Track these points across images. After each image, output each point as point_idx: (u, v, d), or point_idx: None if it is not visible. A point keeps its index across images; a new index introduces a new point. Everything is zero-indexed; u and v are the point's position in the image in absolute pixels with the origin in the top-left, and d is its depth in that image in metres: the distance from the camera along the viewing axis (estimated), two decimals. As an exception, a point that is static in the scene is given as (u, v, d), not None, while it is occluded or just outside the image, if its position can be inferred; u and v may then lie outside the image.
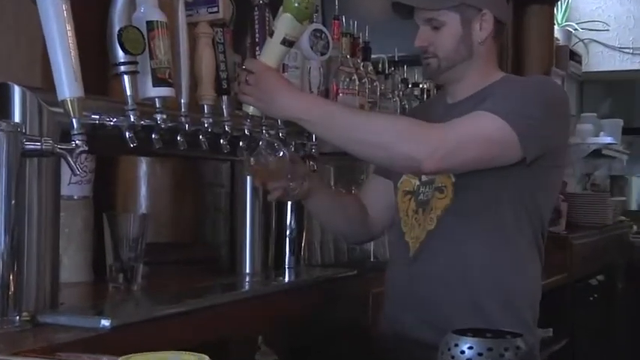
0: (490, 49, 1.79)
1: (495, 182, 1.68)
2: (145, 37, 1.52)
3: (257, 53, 1.82)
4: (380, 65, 2.82)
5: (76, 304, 1.59)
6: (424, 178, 1.78)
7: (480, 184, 1.69)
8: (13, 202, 1.36)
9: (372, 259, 2.63)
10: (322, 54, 1.99)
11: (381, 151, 1.59)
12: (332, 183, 2.62)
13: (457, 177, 1.71)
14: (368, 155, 1.67)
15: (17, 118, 1.41)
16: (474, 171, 1.66)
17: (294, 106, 1.62)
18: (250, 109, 1.71)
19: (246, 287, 1.96)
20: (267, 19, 1.84)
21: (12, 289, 1.36)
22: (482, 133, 1.61)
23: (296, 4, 1.63)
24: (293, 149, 1.96)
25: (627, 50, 5.63)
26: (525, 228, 1.73)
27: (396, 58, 2.94)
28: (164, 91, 1.56)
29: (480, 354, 1.23)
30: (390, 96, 2.77)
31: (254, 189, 2.03)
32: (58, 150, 1.37)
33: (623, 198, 5.58)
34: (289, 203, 2.20)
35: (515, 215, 1.71)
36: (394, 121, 1.69)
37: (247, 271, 2.05)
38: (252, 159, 1.72)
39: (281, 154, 1.70)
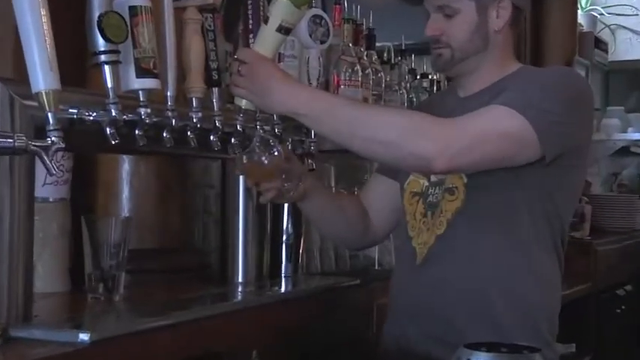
0: (507, 38, 1.80)
1: (511, 183, 1.69)
2: (128, 23, 1.52)
3: (250, 42, 1.83)
4: (385, 54, 2.83)
5: (51, 317, 1.59)
6: (433, 178, 1.79)
7: (494, 184, 1.69)
8: (-18, 204, 1.37)
9: (376, 267, 2.64)
10: (322, 42, 2.00)
11: (387, 149, 1.59)
12: (332, 183, 2.62)
13: (469, 177, 1.71)
14: (372, 153, 1.67)
15: (-13, 113, 1.41)
16: (487, 170, 1.66)
17: (292, 100, 1.62)
18: (243, 103, 1.71)
19: (239, 298, 1.96)
20: (261, 4, 1.84)
21: (-19, 300, 1.37)
22: (497, 129, 1.61)
23: (293, -12, 1.63)
24: (290, 146, 1.96)
25: (658, 38, 5.64)
26: (543, 232, 1.73)
27: (403, 47, 2.95)
28: (148, 83, 1.57)
29: (494, 370, 1.23)
30: (397, 88, 2.78)
31: (247, 190, 2.03)
32: (32, 147, 1.36)
33: (654, 200, 5.57)
34: (286, 205, 2.20)
35: (533, 218, 1.72)
36: (401, 116, 1.70)
37: (240, 280, 2.05)
38: (244, 157, 1.73)
39: (276, 152, 1.71)
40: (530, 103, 1.62)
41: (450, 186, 1.74)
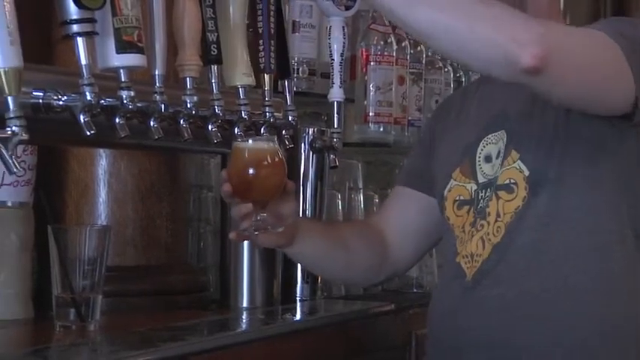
0: None
1: (587, 171, 1.68)
2: (106, -15, 1.54)
3: (258, 5, 1.84)
4: (426, 23, 2.82)
5: (10, 350, 1.60)
6: (482, 179, 1.77)
7: (566, 173, 1.68)
8: None
9: (415, 290, 2.63)
10: (347, 7, 2.00)
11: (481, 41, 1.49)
12: (360, 183, 2.62)
13: (531, 169, 1.70)
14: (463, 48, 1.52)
15: None
16: (554, 158, 1.67)
17: None
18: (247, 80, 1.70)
19: (243, 327, 1.97)
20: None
21: None
22: (594, 44, 1.59)
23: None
24: (310, 138, 1.95)
25: None
26: (627, 229, 1.71)
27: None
28: (132, 59, 1.58)
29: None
30: (441, 65, 2.78)
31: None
32: (-13, 139, 1.38)
33: None
34: (301, 211, 2.20)
35: (618, 216, 1.70)
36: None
37: (244, 305, 2.06)
38: (250, 142, 1.65)
39: (277, 159, 1.63)
40: (622, 33, 1.62)
41: (507, 182, 1.73)
